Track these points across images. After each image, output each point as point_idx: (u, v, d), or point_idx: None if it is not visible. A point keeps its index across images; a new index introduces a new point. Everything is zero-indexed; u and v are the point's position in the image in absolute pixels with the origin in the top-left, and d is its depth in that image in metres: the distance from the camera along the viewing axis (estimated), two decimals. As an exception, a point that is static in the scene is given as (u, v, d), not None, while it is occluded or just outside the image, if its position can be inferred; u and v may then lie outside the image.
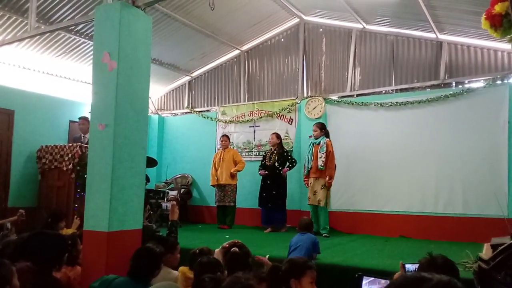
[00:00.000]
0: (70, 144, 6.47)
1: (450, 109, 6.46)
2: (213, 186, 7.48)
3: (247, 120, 8.30)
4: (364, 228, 6.75)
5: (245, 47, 8.64)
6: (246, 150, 8.22)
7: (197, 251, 3.19)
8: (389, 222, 6.64)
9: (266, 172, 6.99)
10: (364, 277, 2.54)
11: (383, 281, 2.46)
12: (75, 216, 4.98)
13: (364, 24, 7.37)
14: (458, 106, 6.41)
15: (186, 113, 9.31)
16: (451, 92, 6.48)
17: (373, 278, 2.55)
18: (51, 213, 4.92)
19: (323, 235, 6.23)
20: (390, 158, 6.76)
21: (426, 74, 6.93)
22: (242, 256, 3.12)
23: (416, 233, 6.30)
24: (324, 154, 6.35)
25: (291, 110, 7.85)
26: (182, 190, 8.42)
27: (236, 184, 7.41)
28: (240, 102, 8.62)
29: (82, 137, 6.72)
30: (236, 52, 8.71)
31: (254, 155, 8.05)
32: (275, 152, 7.04)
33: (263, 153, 7.52)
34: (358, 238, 6.30)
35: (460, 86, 6.62)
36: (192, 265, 3.05)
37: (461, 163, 6.28)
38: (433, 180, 6.45)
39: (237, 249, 3.17)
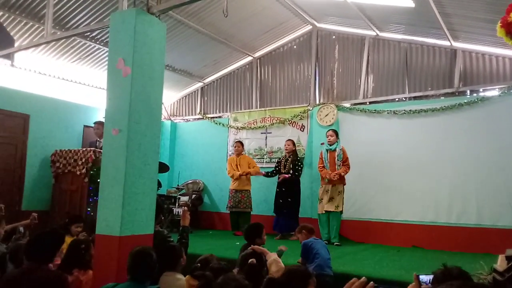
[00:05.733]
0: (84, 149, 6.54)
1: (465, 117, 6.39)
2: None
3: (259, 127, 8.31)
4: (376, 238, 6.68)
5: (257, 54, 8.67)
6: (257, 157, 8.20)
7: (198, 265, 3.12)
8: (401, 231, 6.56)
9: (286, 176, 6.94)
10: None
11: None
12: None
13: (378, 32, 7.35)
14: (472, 115, 6.34)
15: (198, 119, 9.35)
16: (465, 101, 6.41)
17: None
18: (70, 215, 4.98)
19: (335, 243, 6.18)
20: (403, 167, 6.69)
21: (440, 82, 6.87)
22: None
23: (429, 243, 6.22)
24: (342, 161, 6.37)
25: (303, 117, 7.83)
26: (194, 195, 8.43)
27: (250, 190, 7.41)
28: (252, 108, 8.63)
29: (98, 142, 6.78)
30: (249, 58, 8.75)
31: (266, 162, 8.04)
32: (290, 159, 7.02)
33: (277, 159, 7.51)
34: (370, 247, 6.24)
35: (475, 95, 6.55)
36: (193, 273, 3.03)
37: (475, 173, 6.19)
38: (446, 190, 6.37)
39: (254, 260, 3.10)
